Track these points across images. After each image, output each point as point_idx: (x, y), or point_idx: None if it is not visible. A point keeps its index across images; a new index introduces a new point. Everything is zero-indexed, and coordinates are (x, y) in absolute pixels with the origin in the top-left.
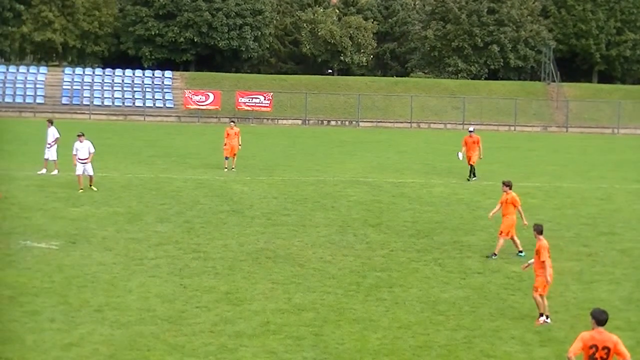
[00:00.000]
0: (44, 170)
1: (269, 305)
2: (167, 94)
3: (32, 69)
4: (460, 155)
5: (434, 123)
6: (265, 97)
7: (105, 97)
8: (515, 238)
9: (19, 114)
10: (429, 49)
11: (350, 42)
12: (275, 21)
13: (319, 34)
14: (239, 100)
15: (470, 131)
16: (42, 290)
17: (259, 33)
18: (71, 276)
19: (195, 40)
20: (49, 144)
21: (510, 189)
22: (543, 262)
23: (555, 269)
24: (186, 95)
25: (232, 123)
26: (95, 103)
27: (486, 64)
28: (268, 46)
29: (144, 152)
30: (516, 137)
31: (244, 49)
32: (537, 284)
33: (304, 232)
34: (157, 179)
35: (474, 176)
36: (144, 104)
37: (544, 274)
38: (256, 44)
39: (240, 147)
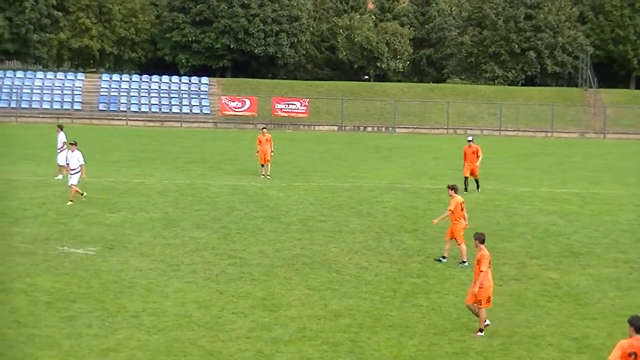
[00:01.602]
0: (60, 176)
1: (305, 311)
2: (203, 100)
3: (70, 76)
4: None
5: (471, 129)
6: (301, 103)
7: (142, 104)
8: (449, 244)
9: (56, 120)
10: (465, 55)
11: (387, 48)
12: (311, 27)
13: (355, 40)
14: (276, 107)
15: (469, 140)
16: (79, 296)
17: (295, 39)
18: (108, 282)
19: (232, 46)
20: (59, 149)
21: (457, 192)
22: (482, 272)
23: (592, 275)
24: (223, 102)
25: (263, 130)
26: (132, 109)
27: (523, 70)
28: (304, 52)
29: (180, 158)
30: (553, 143)
31: (280, 55)
32: (481, 296)
33: (340, 238)
34: (193, 185)
35: (477, 188)
36: (180, 110)
37: (487, 285)
38: (292, 50)
39: (272, 153)
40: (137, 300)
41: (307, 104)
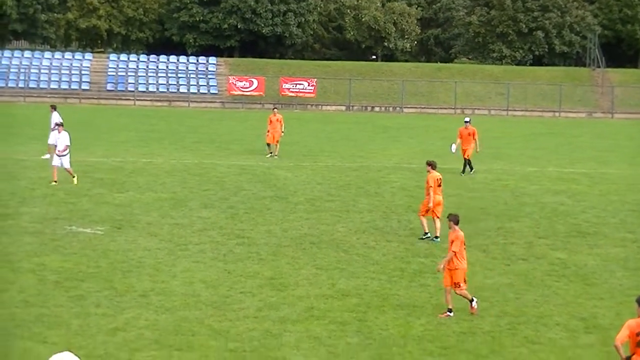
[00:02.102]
0: (47, 155)
1: (313, 290)
2: (211, 80)
3: (77, 56)
4: (454, 147)
5: (478, 109)
6: (309, 83)
7: (150, 84)
8: (425, 220)
9: (64, 100)
10: (473, 34)
11: (394, 28)
12: (319, 7)
13: (363, 20)
14: (283, 87)
15: (466, 122)
16: (87, 276)
17: (303, 19)
18: (116, 261)
19: (239, 26)
20: (52, 129)
21: (434, 169)
22: (454, 252)
23: (600, 255)
24: (230, 82)
25: (274, 110)
26: (139, 89)
27: (531, 49)
28: (312, 32)
29: (188, 138)
30: (561, 123)
31: (287, 35)
32: (458, 278)
33: (347, 217)
34: (201, 164)
35: (471, 170)
36: (188, 90)
37: (462, 266)
38: (300, 30)
39: (283, 133)
40: (145, 280)
41: (314, 84)
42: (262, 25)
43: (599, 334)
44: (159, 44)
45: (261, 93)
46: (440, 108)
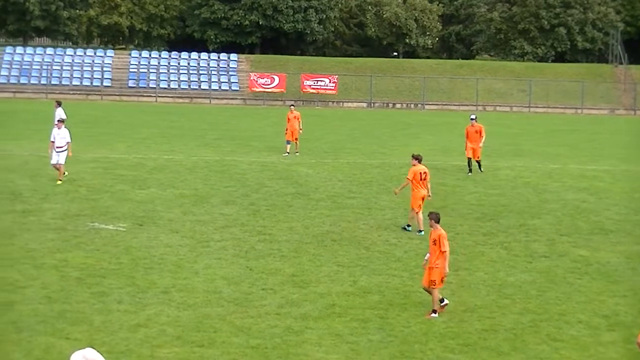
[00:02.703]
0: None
1: (335, 287)
2: (232, 76)
3: (99, 52)
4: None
5: (500, 106)
6: (330, 79)
7: (172, 80)
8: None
9: (86, 97)
10: (494, 31)
11: (416, 25)
12: (340, 4)
13: (384, 16)
14: (304, 83)
15: (472, 119)
16: (109, 272)
17: (324, 16)
18: (138, 258)
19: (261, 23)
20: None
21: (420, 162)
22: (443, 252)
23: (623, 253)
24: (251, 78)
25: (292, 107)
26: (161, 86)
27: (553, 46)
28: (333, 29)
29: (209, 135)
30: (583, 120)
31: (308, 32)
32: (435, 276)
33: (369, 214)
34: (222, 161)
35: (480, 170)
36: (209, 86)
37: (443, 265)
38: (321, 26)
39: (301, 130)
40: (167, 277)
41: (335, 80)
42: (284, 21)
43: (621, 331)
44: (180, 41)
45: (282, 90)
46: (462, 105)
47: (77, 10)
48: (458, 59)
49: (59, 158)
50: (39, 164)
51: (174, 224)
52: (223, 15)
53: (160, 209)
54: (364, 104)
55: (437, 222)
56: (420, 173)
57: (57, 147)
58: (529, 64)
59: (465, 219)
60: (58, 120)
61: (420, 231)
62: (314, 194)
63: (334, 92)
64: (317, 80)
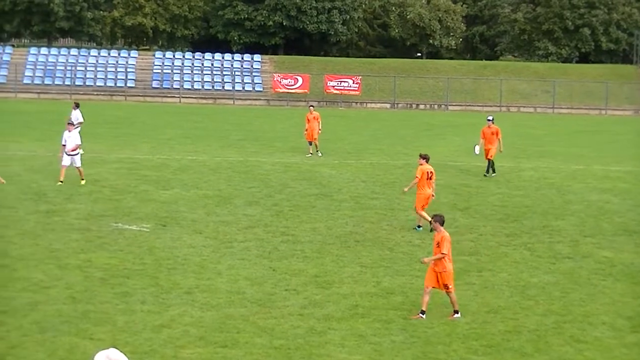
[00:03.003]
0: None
1: (358, 288)
2: (256, 77)
3: (123, 53)
4: (477, 148)
5: (524, 107)
6: (353, 80)
7: (195, 81)
8: (425, 213)
9: (110, 97)
10: (518, 32)
11: (439, 25)
12: (363, 4)
13: (408, 17)
14: (328, 84)
15: (488, 120)
16: (133, 272)
17: (348, 17)
18: (162, 258)
19: (284, 23)
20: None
21: (427, 162)
22: (444, 254)
23: None
24: (275, 79)
25: (311, 107)
26: (185, 87)
27: (577, 47)
28: (356, 30)
29: (233, 136)
30: (607, 121)
31: (332, 33)
32: (446, 280)
33: (392, 215)
34: (246, 162)
35: (493, 172)
36: (233, 87)
37: (450, 268)
38: (345, 27)
39: (320, 131)
40: (191, 277)
41: (359, 81)
42: (307, 22)
43: None
44: (203, 42)
45: (306, 90)
46: (486, 106)
47: (101, 11)
48: (482, 59)
49: (72, 160)
50: None
51: (198, 224)
52: (247, 16)
53: (184, 209)
54: (388, 105)
55: (442, 224)
56: (427, 172)
57: (68, 150)
58: (553, 64)
59: (489, 220)
60: (68, 123)
61: (419, 227)
62: (337, 194)
63: (357, 92)
64: (341, 81)
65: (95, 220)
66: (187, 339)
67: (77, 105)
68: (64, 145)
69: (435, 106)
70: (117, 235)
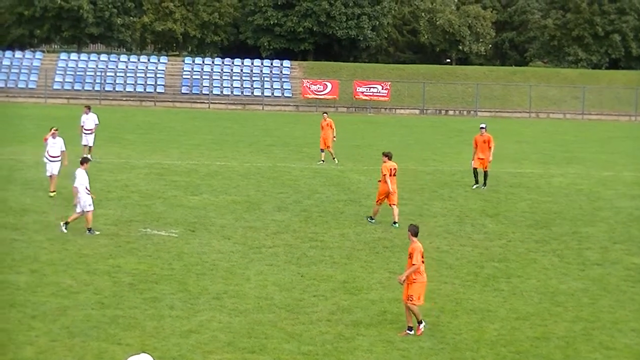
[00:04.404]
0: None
1: (386, 294)
2: (285, 83)
3: (153, 59)
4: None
5: (553, 113)
6: (383, 86)
7: (224, 87)
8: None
9: (139, 103)
10: (548, 38)
11: (469, 32)
12: (393, 10)
13: (437, 23)
14: (357, 90)
15: (481, 128)
16: (162, 278)
17: (377, 22)
18: (190, 264)
19: (314, 29)
20: (88, 130)
21: (390, 159)
22: (414, 265)
23: None
24: (304, 85)
25: (324, 115)
26: (214, 92)
27: (607, 53)
28: (386, 35)
29: (262, 141)
30: (637, 127)
31: (362, 39)
32: (412, 291)
33: (421, 221)
34: (275, 168)
35: (484, 185)
36: (262, 93)
37: (421, 280)
38: (374, 33)
39: (334, 138)
40: (219, 282)
41: (388, 87)
42: (337, 28)
43: None
44: (233, 47)
45: (335, 96)
46: (515, 112)
47: (131, 17)
48: (511, 65)
49: (52, 168)
50: (92, 170)
51: (226, 230)
52: (276, 21)
53: (213, 215)
54: (417, 111)
55: (415, 235)
56: (391, 169)
57: (51, 157)
58: (583, 70)
59: (518, 227)
60: (53, 129)
61: (372, 218)
62: (366, 200)
63: (386, 98)
64: (370, 87)
65: (124, 226)
66: (215, 344)
67: (89, 109)
68: (64, 152)
69: (465, 112)
70: (146, 241)
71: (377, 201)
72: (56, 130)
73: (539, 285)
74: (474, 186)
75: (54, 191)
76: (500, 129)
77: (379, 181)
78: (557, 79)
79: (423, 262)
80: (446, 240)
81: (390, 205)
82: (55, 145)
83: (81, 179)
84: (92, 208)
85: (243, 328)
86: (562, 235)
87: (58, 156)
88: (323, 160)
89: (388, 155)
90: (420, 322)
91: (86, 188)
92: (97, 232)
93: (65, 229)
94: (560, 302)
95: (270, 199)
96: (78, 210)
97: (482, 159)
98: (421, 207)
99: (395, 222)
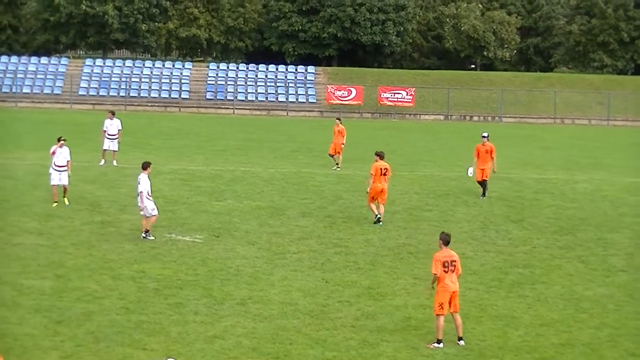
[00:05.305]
0: (102, 162)
1: (411, 300)
2: (309, 89)
3: (178, 65)
4: (470, 170)
5: (578, 119)
6: (407, 92)
7: (249, 92)
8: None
9: (164, 109)
10: (573, 43)
11: (494, 37)
12: (418, 16)
13: (462, 29)
14: (382, 96)
15: (483, 137)
16: (186, 283)
17: (402, 28)
18: (215, 269)
19: (338, 35)
20: (112, 135)
21: (382, 159)
22: (434, 275)
23: None
24: (329, 91)
25: (337, 120)
26: (239, 98)
27: (632, 59)
28: (411, 41)
29: (286, 147)
30: None
31: (386, 44)
32: (434, 300)
33: (445, 227)
34: (299, 173)
35: (483, 195)
36: (286, 99)
37: (443, 289)
38: (399, 39)
39: (343, 145)
40: (243, 288)
41: (413, 93)
42: (361, 34)
43: None
44: (258, 53)
45: (359, 102)
46: (540, 118)
47: (156, 23)
48: (536, 71)
49: (60, 177)
50: (117, 175)
51: (251, 235)
52: (301, 27)
53: (237, 220)
54: (441, 117)
55: (446, 243)
56: (381, 169)
57: (58, 166)
58: (608, 76)
59: (543, 232)
60: (59, 139)
61: (378, 216)
62: (390, 206)
63: (411, 104)
64: (394, 93)
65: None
66: (239, 350)
67: (113, 114)
68: (69, 161)
69: (489, 118)
70: (170, 246)
71: (369, 201)
72: (64, 140)
73: (563, 291)
74: (483, 197)
75: (56, 202)
76: (525, 134)
77: (367, 190)
78: (582, 85)
79: (450, 270)
80: (471, 246)
81: (379, 202)
82: (61, 155)
83: (144, 184)
84: (156, 213)
85: (267, 334)
86: (587, 242)
87: (64, 165)
88: (338, 164)
89: (380, 155)
90: (438, 341)
91: (148, 193)
92: (152, 238)
93: (149, 236)
94: (585, 308)
95: (294, 205)
96: (144, 214)
97: (483, 169)
98: (446, 213)
99: (379, 220)
